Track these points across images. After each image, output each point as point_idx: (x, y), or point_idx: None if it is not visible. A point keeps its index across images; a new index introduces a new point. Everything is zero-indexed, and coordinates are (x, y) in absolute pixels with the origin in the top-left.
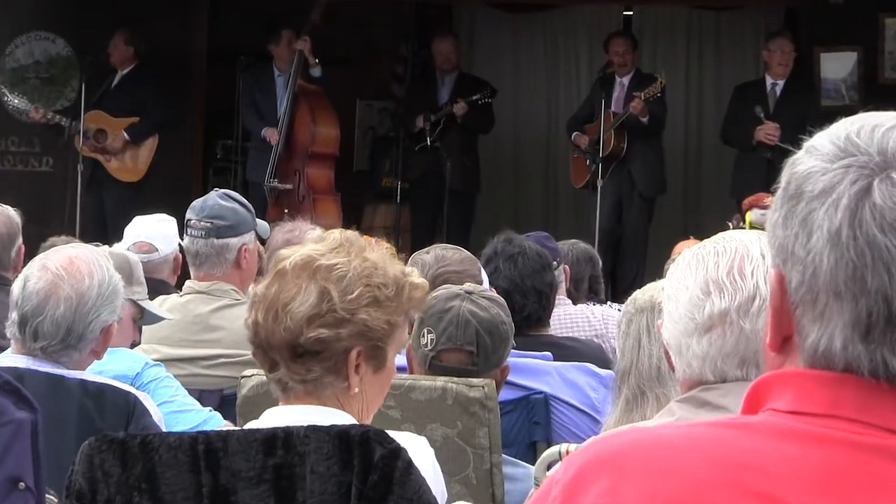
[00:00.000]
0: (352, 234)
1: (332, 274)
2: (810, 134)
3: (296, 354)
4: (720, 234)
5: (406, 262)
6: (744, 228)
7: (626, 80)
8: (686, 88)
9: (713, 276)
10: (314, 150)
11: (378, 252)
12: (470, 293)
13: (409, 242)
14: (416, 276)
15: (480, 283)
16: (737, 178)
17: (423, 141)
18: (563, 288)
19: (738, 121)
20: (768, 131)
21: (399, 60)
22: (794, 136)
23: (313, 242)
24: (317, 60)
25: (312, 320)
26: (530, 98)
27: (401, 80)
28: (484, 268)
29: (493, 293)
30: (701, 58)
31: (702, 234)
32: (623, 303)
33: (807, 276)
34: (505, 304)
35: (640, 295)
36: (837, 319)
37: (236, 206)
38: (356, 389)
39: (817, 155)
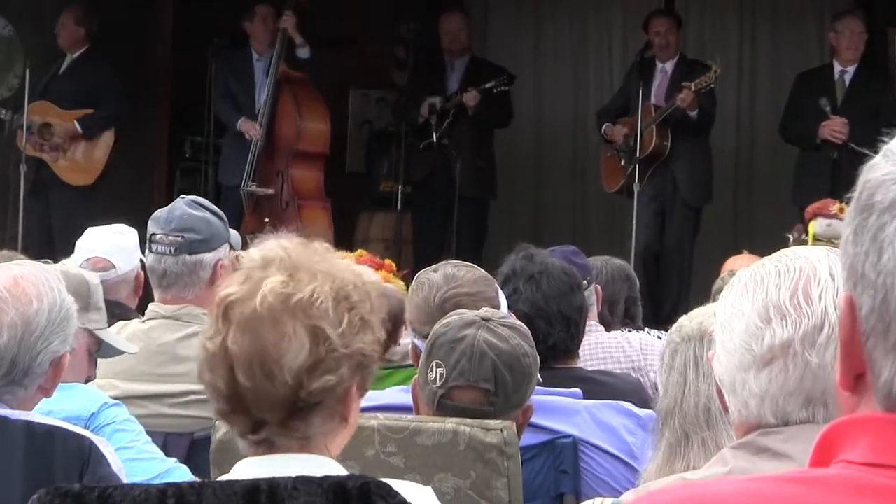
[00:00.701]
0: (294, 245)
1: (315, 308)
2: (883, 130)
3: (295, 410)
4: (782, 251)
5: (410, 281)
6: (806, 241)
7: (668, 66)
8: (738, 77)
9: (774, 301)
10: (300, 147)
11: (332, 259)
12: (487, 320)
13: (411, 257)
14: (369, 275)
15: (498, 307)
16: (798, 182)
17: (428, 137)
18: (594, 312)
19: (800, 115)
20: (835, 127)
21: (400, 42)
22: (866, 132)
23: (256, 267)
24: (302, 40)
25: (314, 369)
26: (554, 87)
27: (402, 65)
28: (501, 289)
29: (514, 320)
30: (755, 41)
31: (757, 249)
32: (665, 330)
33: (877, 302)
34: (527, 332)
35: (687, 322)
36: None
37: (208, 215)
38: (351, 423)
39: (892, 159)
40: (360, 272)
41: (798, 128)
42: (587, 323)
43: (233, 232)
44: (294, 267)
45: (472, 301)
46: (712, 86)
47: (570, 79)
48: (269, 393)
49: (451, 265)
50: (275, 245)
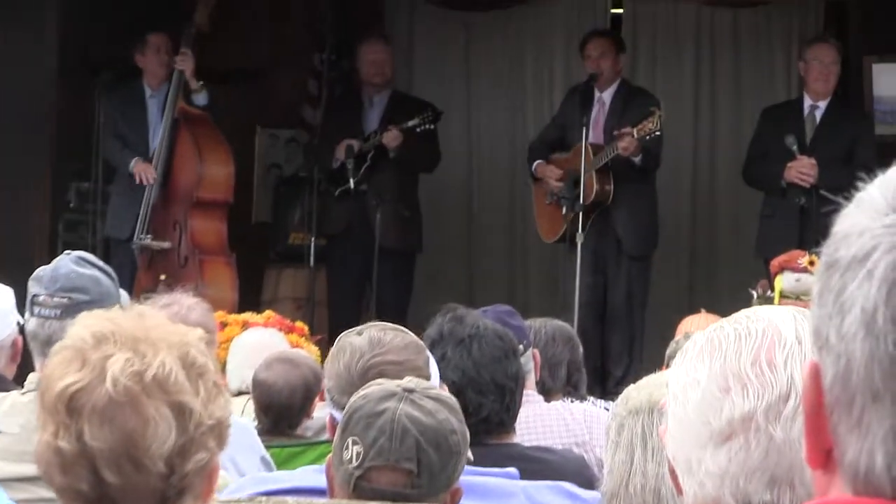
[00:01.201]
0: (120, 316)
1: (172, 382)
2: (857, 174)
3: (165, 500)
4: (744, 311)
5: (323, 346)
6: (772, 299)
7: (606, 95)
8: (695, 111)
9: (734, 368)
10: (200, 195)
11: (163, 322)
12: (409, 391)
13: (325, 319)
14: (197, 331)
15: (428, 377)
16: (763, 232)
17: (344, 183)
18: (532, 380)
19: (766, 155)
20: (802, 169)
21: (313, 75)
22: (838, 175)
23: (89, 347)
24: (201, 83)
25: (185, 450)
26: (489, 125)
27: (315, 101)
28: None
29: (441, 391)
30: (714, 71)
31: (716, 308)
32: (612, 400)
33: (840, 370)
34: (456, 405)
35: (635, 392)
36: (877, 429)
37: (97, 273)
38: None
39: (863, 209)
40: (190, 331)
41: (762, 170)
42: (524, 392)
43: (122, 293)
44: (133, 340)
45: (397, 370)
46: (658, 132)
47: (506, 114)
48: (139, 486)
49: (377, 328)
50: (98, 318)
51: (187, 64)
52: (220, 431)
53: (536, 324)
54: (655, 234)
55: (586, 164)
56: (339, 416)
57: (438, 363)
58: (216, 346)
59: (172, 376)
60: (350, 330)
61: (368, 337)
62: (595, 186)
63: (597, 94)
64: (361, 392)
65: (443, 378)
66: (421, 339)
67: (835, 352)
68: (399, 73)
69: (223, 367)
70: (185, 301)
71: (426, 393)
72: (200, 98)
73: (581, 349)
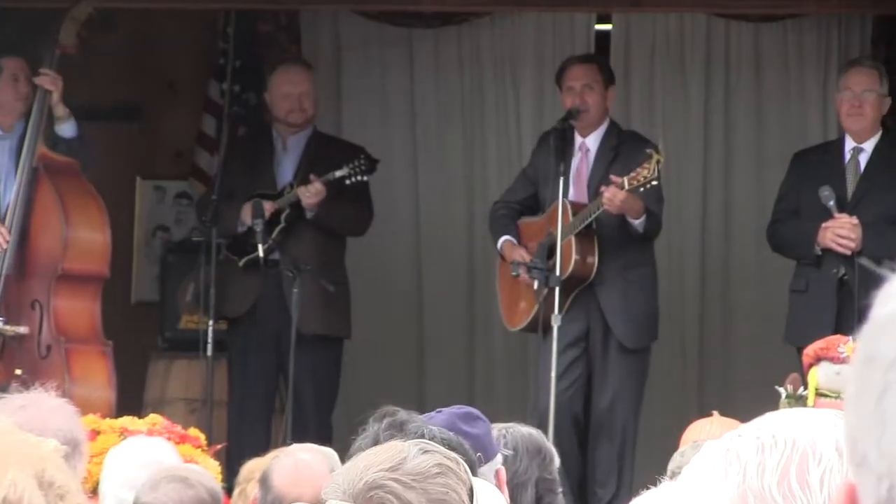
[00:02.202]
0: None
1: None
2: None
3: None
4: (768, 415)
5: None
6: (805, 399)
7: (592, 140)
8: (704, 156)
9: (755, 488)
10: (66, 267)
11: (7, 432)
12: None
13: (223, 426)
14: (50, 443)
15: None
16: (794, 311)
17: (251, 251)
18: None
19: (797, 212)
20: (840, 231)
21: (210, 109)
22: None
23: None
24: (66, 110)
25: None
26: (440, 174)
27: (213, 144)
28: None
29: None
30: (729, 103)
31: (733, 411)
32: None
33: (882, 497)
34: None
35: None
36: None
37: None
38: None
39: None
40: (44, 442)
41: (792, 232)
42: None
43: None
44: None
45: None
46: (655, 181)
47: (462, 160)
48: None
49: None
50: None
51: (55, 83)
52: None
53: (497, 431)
54: (655, 321)
55: (564, 227)
56: None
57: None
58: (85, 460)
59: (27, 498)
60: (258, 458)
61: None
62: (574, 256)
63: (578, 139)
64: None
65: None
66: (345, 454)
67: (875, 472)
68: (323, 111)
69: (95, 488)
70: (45, 402)
71: None
72: (67, 129)
73: (556, 463)
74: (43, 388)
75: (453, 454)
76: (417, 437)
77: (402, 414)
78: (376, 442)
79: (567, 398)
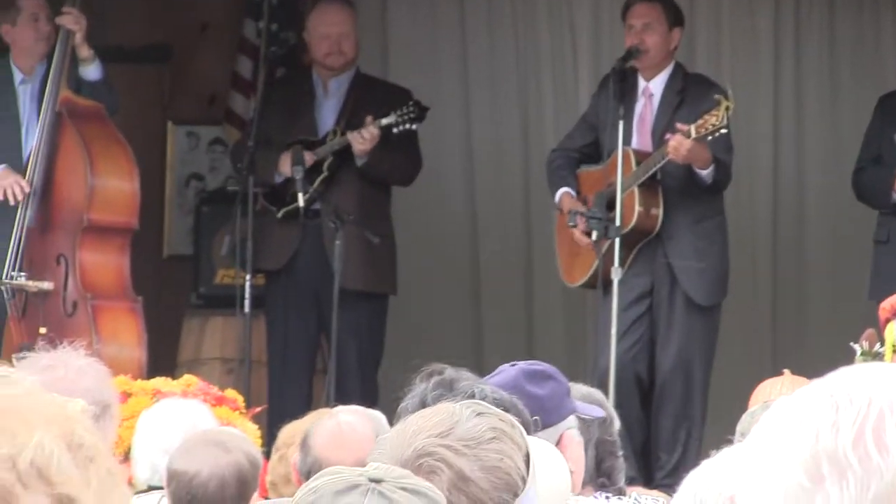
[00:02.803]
0: None
1: (55, 469)
2: None
3: None
4: (842, 371)
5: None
6: (882, 355)
7: (656, 84)
8: (775, 103)
9: (829, 448)
10: (92, 218)
11: (33, 390)
12: (378, 481)
13: (262, 387)
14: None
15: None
16: (877, 264)
17: (291, 201)
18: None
19: (879, 159)
20: None
21: (246, 50)
22: None
23: None
24: (91, 52)
25: None
26: (494, 122)
27: (248, 87)
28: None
29: (423, 481)
30: (800, 41)
31: (805, 368)
32: (666, 492)
33: None
34: (440, 498)
35: (695, 482)
36: None
37: None
38: None
39: None
40: (70, 402)
41: (873, 179)
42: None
43: None
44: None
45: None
46: (724, 128)
47: (517, 106)
48: None
49: (344, 413)
50: None
51: (79, 22)
52: None
53: None
54: (726, 276)
55: (624, 177)
56: None
57: None
58: (116, 423)
59: (54, 461)
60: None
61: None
62: (637, 208)
63: (641, 83)
64: (312, 484)
65: None
66: (393, 414)
67: None
68: (368, 52)
69: (126, 453)
70: (73, 362)
71: (400, 483)
72: (92, 71)
73: (617, 425)
74: (71, 346)
75: (509, 416)
76: (467, 398)
77: (451, 372)
78: (423, 402)
79: (630, 358)
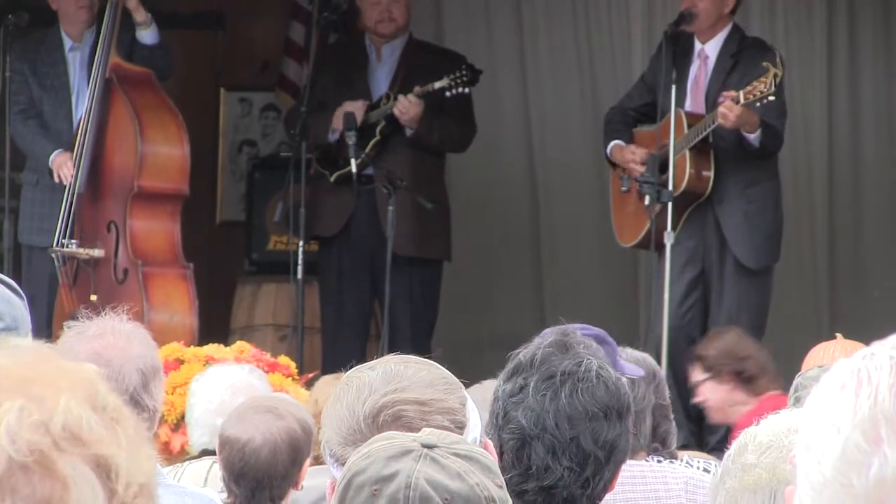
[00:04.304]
0: None
1: (86, 431)
2: None
3: None
4: None
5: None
6: None
7: (711, 48)
8: (829, 68)
9: (888, 410)
10: (143, 185)
11: (53, 356)
12: (431, 447)
13: (318, 353)
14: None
15: (462, 426)
16: None
17: (344, 165)
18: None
19: None
20: None
21: (298, 16)
22: None
23: None
24: (147, 15)
25: None
26: (551, 88)
27: (301, 53)
28: (506, 382)
29: (476, 448)
30: (853, 11)
31: (860, 333)
32: (717, 457)
33: None
34: (493, 465)
35: (754, 456)
36: None
37: (7, 292)
38: None
39: None
40: (85, 367)
41: None
42: None
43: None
44: (22, 382)
45: (421, 413)
46: (772, 95)
47: (576, 74)
48: None
49: (396, 360)
50: None
51: None
52: (150, 492)
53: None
54: (778, 239)
55: (677, 139)
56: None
57: (512, 396)
58: (163, 387)
59: (84, 423)
60: (361, 365)
61: (383, 370)
62: (689, 171)
63: (697, 45)
64: (363, 449)
65: (509, 421)
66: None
67: None
68: (421, 18)
69: (178, 421)
70: (120, 328)
71: (452, 449)
72: (148, 35)
73: (668, 390)
74: (114, 312)
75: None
76: (574, 365)
77: (575, 335)
78: (533, 356)
79: (685, 322)
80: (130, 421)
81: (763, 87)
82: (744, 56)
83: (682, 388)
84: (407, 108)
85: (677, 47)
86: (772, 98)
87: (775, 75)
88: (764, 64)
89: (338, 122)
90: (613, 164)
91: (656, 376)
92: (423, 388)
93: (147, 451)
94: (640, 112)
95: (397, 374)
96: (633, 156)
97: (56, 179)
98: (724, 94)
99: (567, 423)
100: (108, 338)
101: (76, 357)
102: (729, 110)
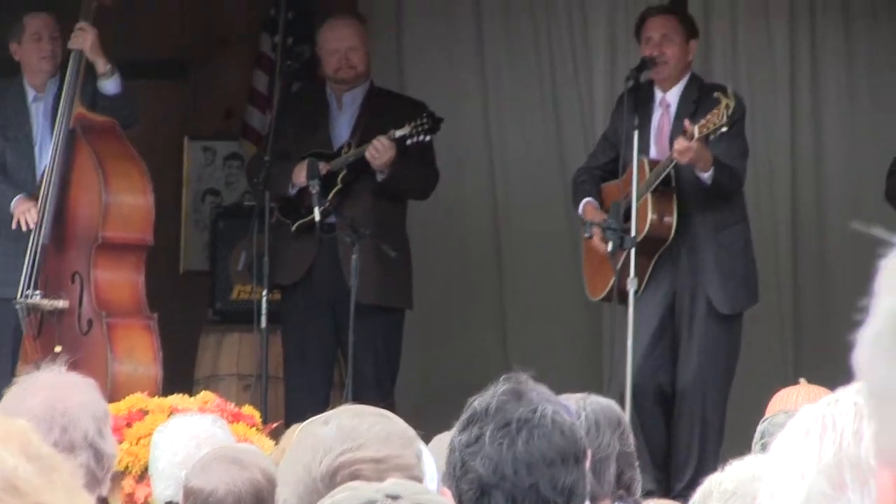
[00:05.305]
0: None
1: (20, 480)
2: None
3: None
4: None
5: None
6: None
7: (672, 95)
8: (791, 108)
9: (852, 455)
10: (107, 235)
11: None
12: (395, 497)
13: (279, 403)
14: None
15: (419, 478)
16: None
17: (306, 214)
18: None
19: None
20: None
21: (261, 65)
22: None
23: None
24: (109, 66)
25: None
26: (514, 135)
27: (264, 101)
28: (461, 433)
29: (441, 498)
30: (816, 51)
31: (826, 378)
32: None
33: None
34: None
35: (715, 487)
36: None
37: None
38: None
39: None
40: (15, 420)
41: None
42: None
43: None
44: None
45: (377, 470)
46: (724, 127)
47: (535, 118)
48: None
49: (350, 413)
50: None
51: (86, 38)
52: None
53: (573, 403)
54: (750, 284)
55: (639, 185)
56: None
57: (469, 446)
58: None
59: (21, 473)
60: (314, 419)
61: (338, 426)
62: (650, 216)
63: (658, 94)
64: (328, 501)
65: (465, 472)
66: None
67: None
68: (383, 61)
69: (142, 472)
70: (64, 379)
71: (416, 499)
72: (110, 85)
73: (632, 436)
74: (83, 362)
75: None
76: (528, 412)
77: (528, 383)
78: (487, 405)
79: (653, 370)
80: (66, 468)
81: (716, 119)
82: (704, 101)
83: (649, 434)
84: (381, 151)
85: (638, 95)
86: (724, 129)
87: (727, 105)
88: (715, 95)
89: (297, 176)
90: (586, 223)
91: (620, 423)
92: (379, 445)
93: (83, 497)
94: (605, 170)
95: (352, 429)
96: (601, 216)
97: (15, 226)
98: (685, 125)
99: (525, 470)
100: (58, 389)
101: (30, 410)
102: (683, 147)
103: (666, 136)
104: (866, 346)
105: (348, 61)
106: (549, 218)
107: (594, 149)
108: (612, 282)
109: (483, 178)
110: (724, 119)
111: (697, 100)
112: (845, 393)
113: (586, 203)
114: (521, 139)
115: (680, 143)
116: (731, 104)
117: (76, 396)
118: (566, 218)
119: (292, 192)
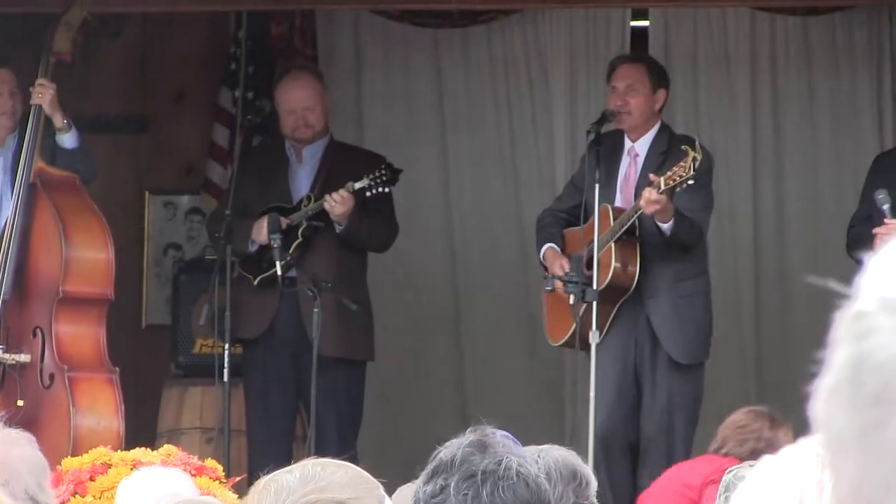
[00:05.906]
0: None
1: None
2: None
3: None
4: None
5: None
6: None
7: (641, 145)
8: (753, 157)
9: None
10: (68, 290)
11: None
12: None
13: (242, 456)
14: None
15: None
16: None
17: (268, 268)
18: None
19: (870, 218)
20: (888, 234)
21: (222, 119)
22: None
23: None
24: (65, 121)
25: None
26: (474, 186)
27: (225, 156)
28: (426, 484)
29: None
30: (777, 101)
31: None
32: None
33: None
34: None
35: None
36: None
37: None
38: None
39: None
40: None
41: (858, 237)
42: None
43: None
44: None
45: None
46: (690, 180)
47: (494, 169)
48: None
49: (314, 463)
50: None
51: (45, 94)
52: None
53: (531, 455)
54: (707, 336)
55: (602, 232)
56: None
57: (434, 497)
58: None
59: None
60: (280, 470)
61: (301, 473)
62: (614, 264)
63: (627, 143)
64: None
65: None
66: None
67: None
68: (343, 115)
69: None
70: (6, 433)
71: None
72: (68, 139)
73: (594, 487)
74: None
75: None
76: (493, 464)
77: (495, 436)
78: (452, 457)
79: (621, 420)
80: None
81: (682, 171)
82: (672, 152)
83: (616, 489)
84: (339, 202)
85: (604, 145)
86: (691, 182)
87: (694, 158)
88: (683, 147)
89: (258, 234)
90: (545, 267)
91: (576, 475)
92: (342, 488)
93: None
94: (570, 213)
95: (315, 475)
96: (561, 270)
97: None
98: (651, 177)
99: None
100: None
101: None
102: (650, 198)
103: (632, 186)
104: (824, 396)
105: (305, 121)
106: (507, 267)
107: (561, 192)
108: (572, 328)
109: (441, 228)
110: (691, 172)
111: (666, 151)
112: (807, 443)
113: (547, 249)
114: (480, 190)
115: (649, 193)
116: (699, 157)
117: (14, 451)
118: (523, 268)
119: (252, 249)
